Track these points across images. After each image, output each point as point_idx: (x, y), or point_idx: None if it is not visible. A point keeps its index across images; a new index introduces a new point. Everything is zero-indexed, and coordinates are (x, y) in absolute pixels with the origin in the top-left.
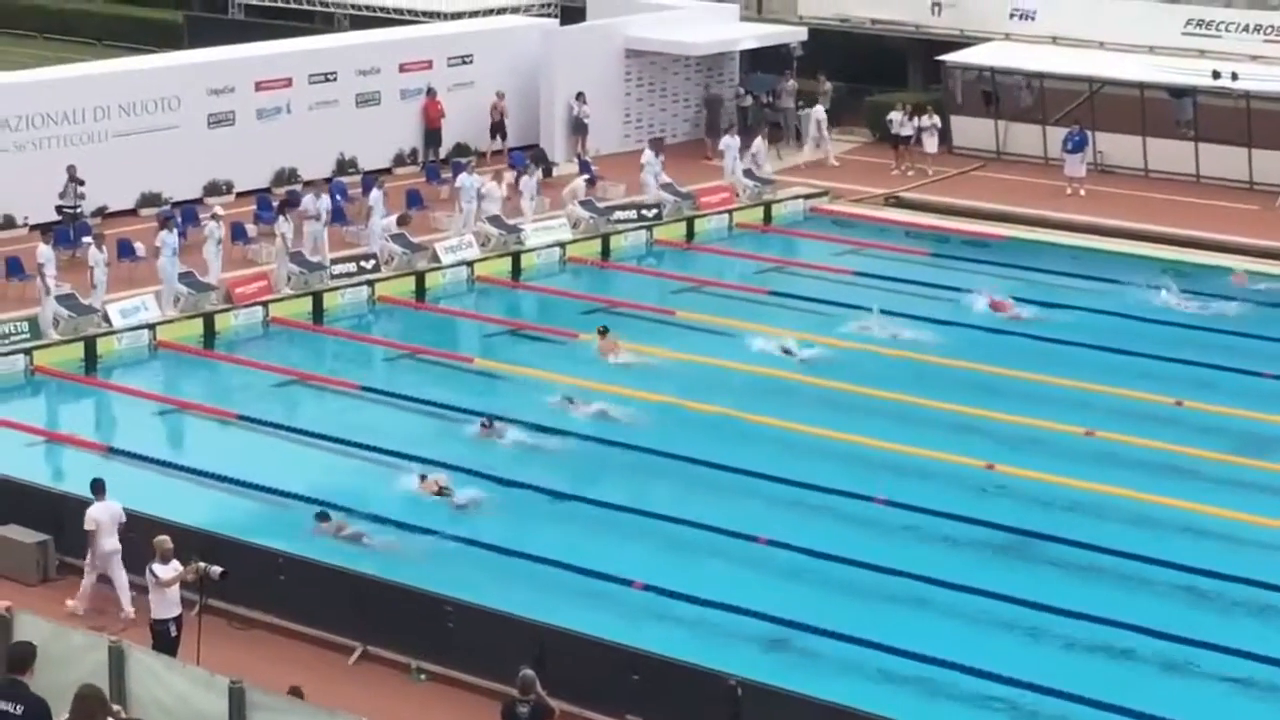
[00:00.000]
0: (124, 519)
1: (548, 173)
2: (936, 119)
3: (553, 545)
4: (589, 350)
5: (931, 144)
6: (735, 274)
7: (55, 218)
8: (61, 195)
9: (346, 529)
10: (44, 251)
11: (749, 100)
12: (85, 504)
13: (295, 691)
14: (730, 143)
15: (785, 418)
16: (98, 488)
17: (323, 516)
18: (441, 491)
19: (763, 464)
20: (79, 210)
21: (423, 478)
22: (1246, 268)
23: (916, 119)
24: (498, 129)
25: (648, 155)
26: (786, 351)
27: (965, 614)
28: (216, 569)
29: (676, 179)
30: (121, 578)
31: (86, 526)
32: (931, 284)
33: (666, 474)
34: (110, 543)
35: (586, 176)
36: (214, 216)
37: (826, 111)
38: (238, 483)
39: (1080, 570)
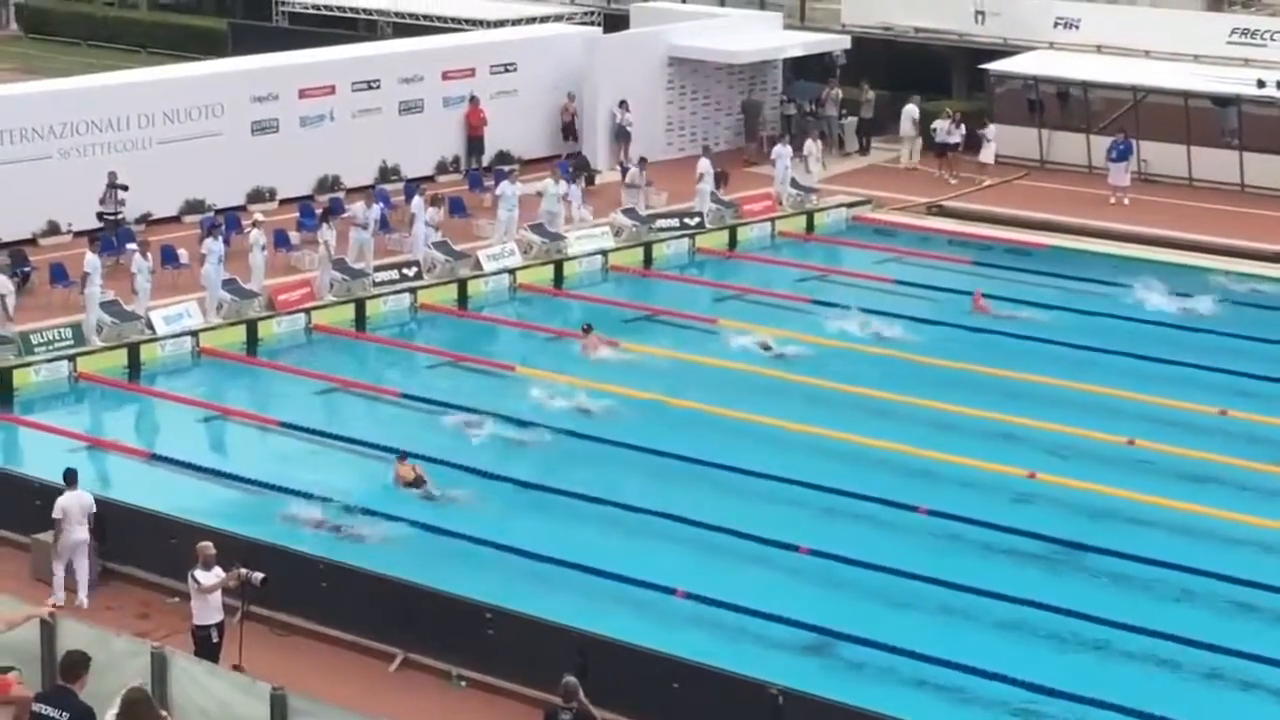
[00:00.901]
0: (94, 509)
1: (590, 180)
2: (992, 128)
3: (587, 549)
4: (630, 356)
5: (989, 153)
6: (778, 282)
7: (99, 225)
8: (102, 201)
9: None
10: (91, 260)
11: (792, 108)
12: (128, 511)
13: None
14: (782, 151)
15: (823, 425)
16: (69, 477)
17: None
18: (416, 481)
19: (798, 470)
20: (120, 216)
21: (402, 459)
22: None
23: (963, 127)
24: (569, 130)
25: (704, 165)
26: (765, 348)
27: (1006, 623)
28: (258, 575)
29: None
30: (84, 568)
31: (54, 515)
32: (968, 292)
33: (703, 479)
34: (79, 532)
35: (637, 168)
36: (255, 224)
37: (866, 120)
38: (279, 489)
39: (1121, 580)
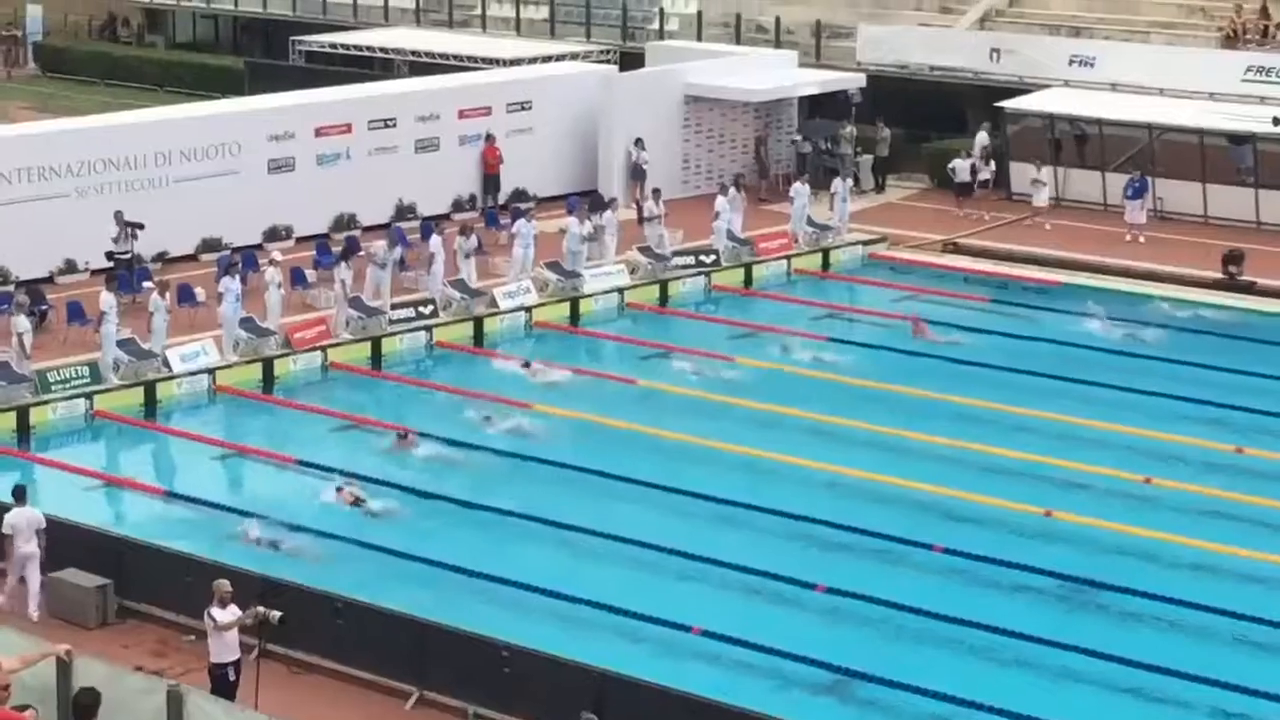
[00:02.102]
0: (43, 525)
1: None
2: (1046, 171)
3: (607, 587)
4: (644, 394)
5: (1042, 197)
6: (794, 319)
7: (111, 264)
8: (115, 240)
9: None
10: (106, 299)
11: (808, 147)
12: (146, 549)
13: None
14: (800, 189)
15: (836, 461)
16: (19, 494)
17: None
18: (357, 502)
19: (814, 508)
20: (130, 256)
21: (339, 489)
22: None
23: (993, 164)
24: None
25: (720, 203)
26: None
27: (1022, 661)
28: (276, 614)
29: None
30: (35, 580)
31: (4, 530)
32: (987, 330)
33: (717, 517)
34: (28, 548)
35: (653, 199)
36: (272, 262)
37: (881, 158)
38: (296, 528)
39: (1138, 618)
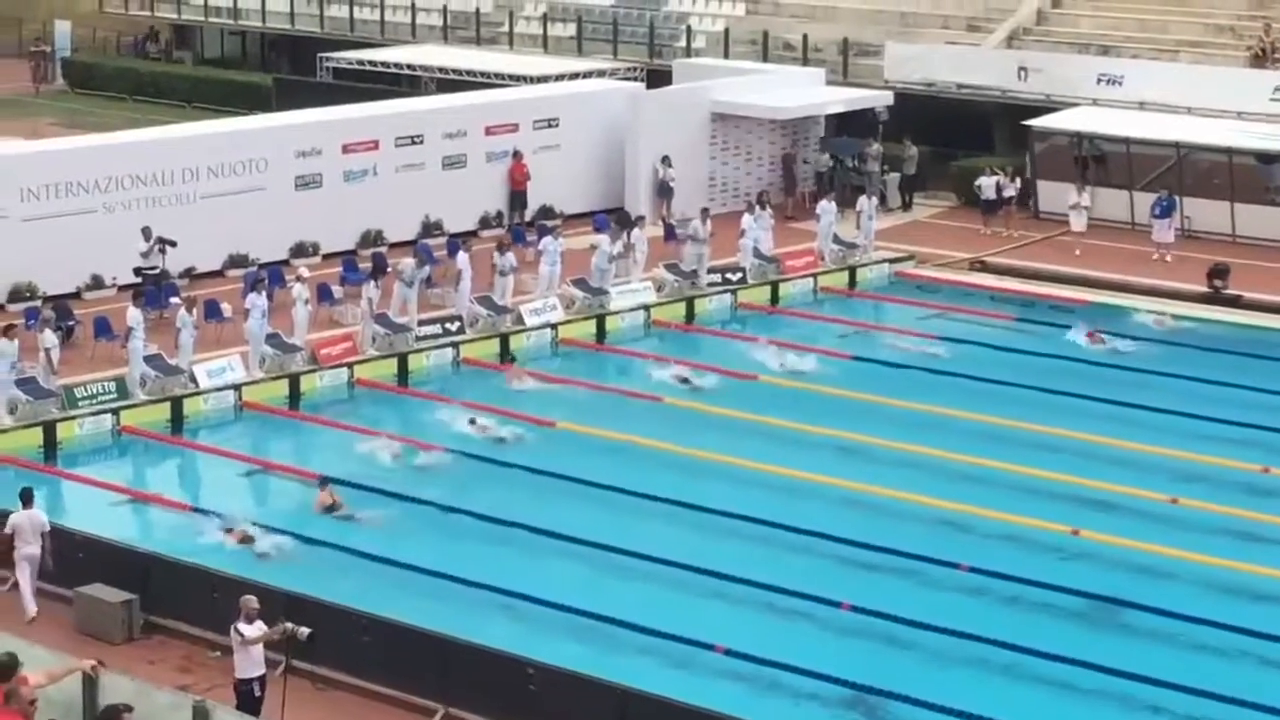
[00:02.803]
0: (46, 528)
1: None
2: (1086, 194)
3: (629, 602)
4: (672, 411)
5: (1080, 222)
6: (820, 338)
7: (139, 280)
8: (145, 255)
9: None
10: (133, 314)
11: (827, 162)
12: (172, 564)
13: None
14: (826, 207)
15: (862, 479)
16: (25, 496)
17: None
18: (334, 506)
19: (838, 526)
20: (158, 270)
21: (323, 485)
22: None
23: (1018, 181)
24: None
25: (747, 220)
26: (683, 381)
27: (1047, 680)
28: (305, 630)
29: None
30: (32, 580)
31: (7, 530)
32: (1014, 349)
33: (743, 534)
34: (30, 549)
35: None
36: (299, 278)
37: (908, 176)
38: (321, 544)
39: (1163, 637)
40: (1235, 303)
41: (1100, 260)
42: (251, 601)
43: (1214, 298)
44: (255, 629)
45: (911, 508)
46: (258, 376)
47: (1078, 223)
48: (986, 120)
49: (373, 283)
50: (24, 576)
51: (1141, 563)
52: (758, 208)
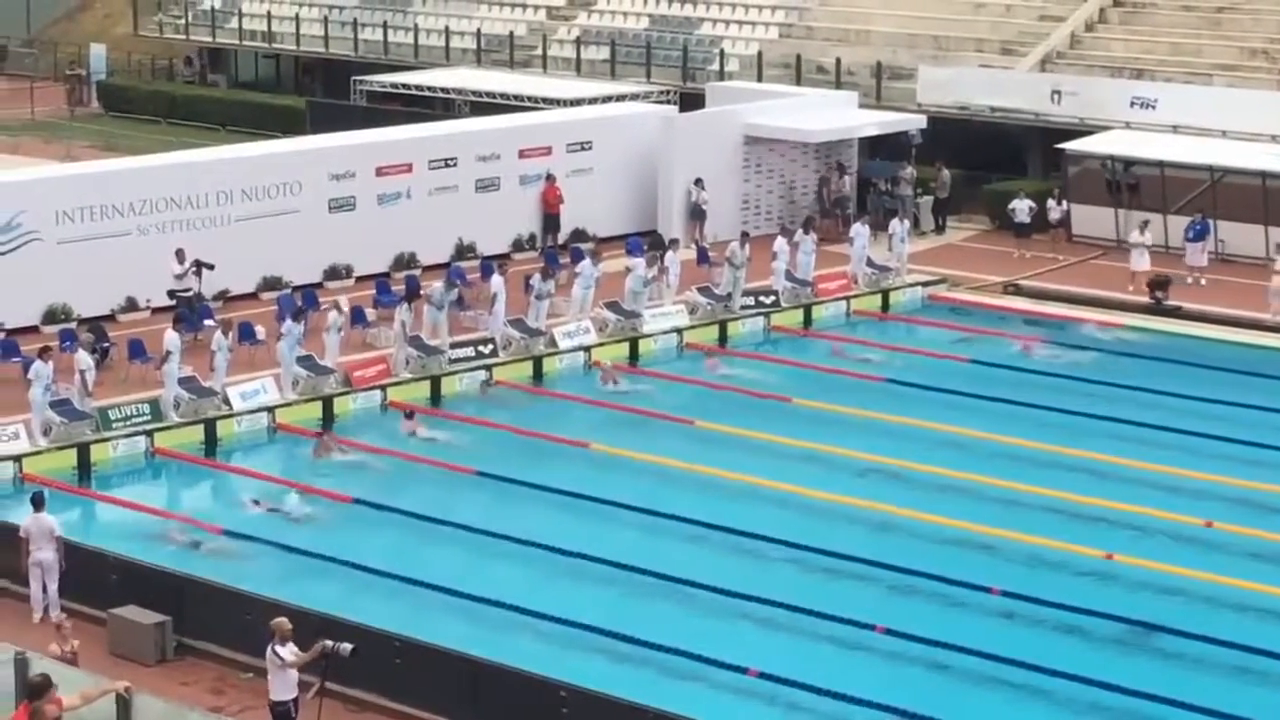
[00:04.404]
0: (57, 531)
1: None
2: (1147, 235)
3: (658, 625)
4: (705, 435)
5: (1143, 261)
6: (852, 361)
7: (173, 302)
8: (180, 277)
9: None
10: (171, 338)
11: (846, 185)
12: (205, 586)
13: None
14: (860, 230)
15: (896, 503)
16: (37, 501)
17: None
18: (272, 510)
19: (871, 549)
20: (192, 292)
21: (255, 502)
22: None
23: (1065, 203)
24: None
25: (780, 243)
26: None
27: (1080, 704)
28: (346, 646)
29: (793, 264)
30: (52, 586)
31: (20, 534)
32: (1046, 372)
33: (773, 556)
34: (43, 554)
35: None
36: (337, 307)
37: (941, 199)
38: (354, 565)
39: (1198, 662)
40: (1175, 313)
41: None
42: (285, 624)
43: (1155, 309)
44: (289, 651)
45: (944, 530)
46: (291, 399)
47: (1139, 262)
48: (1019, 144)
49: (405, 305)
50: (35, 580)
51: (1175, 586)
52: (800, 231)
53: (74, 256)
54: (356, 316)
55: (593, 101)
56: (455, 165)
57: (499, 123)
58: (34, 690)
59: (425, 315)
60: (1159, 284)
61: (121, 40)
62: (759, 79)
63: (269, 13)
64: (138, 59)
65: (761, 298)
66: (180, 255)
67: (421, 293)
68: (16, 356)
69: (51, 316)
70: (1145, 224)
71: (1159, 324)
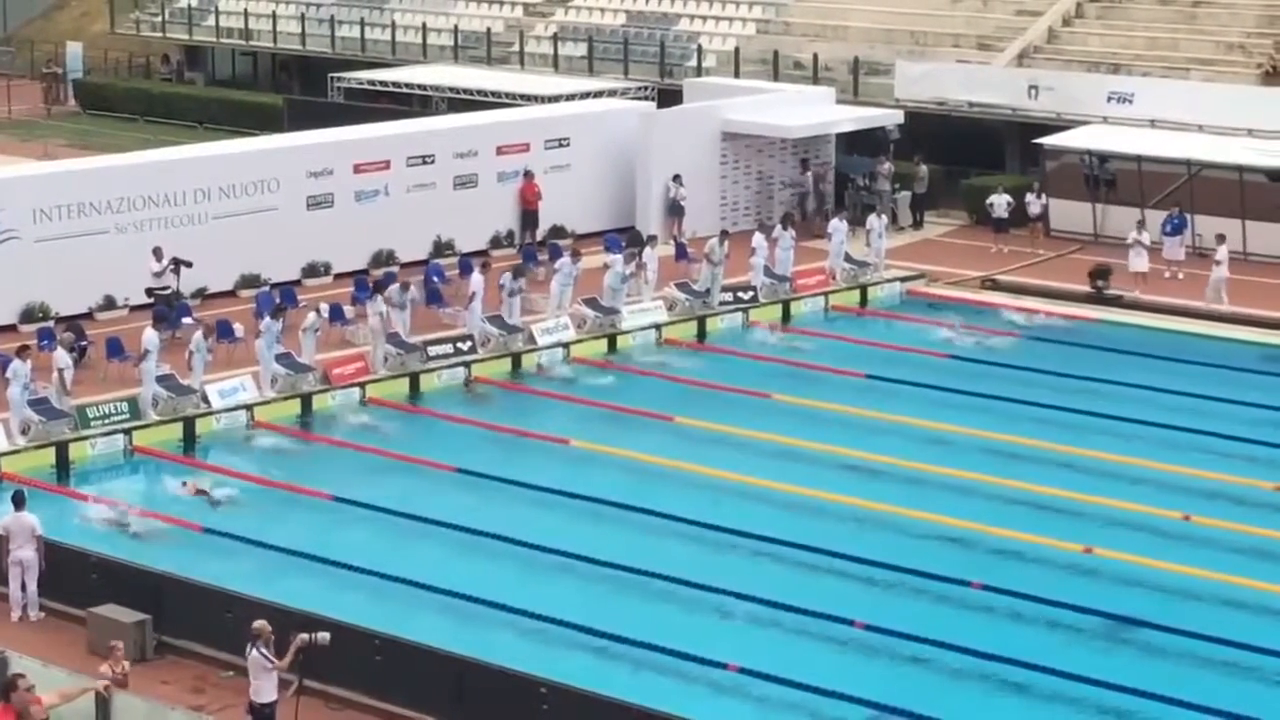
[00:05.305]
0: (38, 530)
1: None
2: (1145, 235)
3: (641, 623)
4: (685, 430)
5: (1142, 262)
6: (831, 357)
7: (150, 300)
8: (158, 275)
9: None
10: (150, 337)
11: (809, 181)
12: (184, 584)
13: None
14: (838, 226)
15: (874, 498)
16: (18, 499)
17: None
18: (199, 492)
19: (850, 543)
20: (169, 290)
21: (184, 483)
22: None
23: (1044, 197)
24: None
25: (758, 239)
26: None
27: (1060, 698)
28: (323, 635)
29: (771, 259)
30: (31, 585)
31: (0, 532)
32: (1024, 367)
33: (758, 552)
34: (23, 553)
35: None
36: (317, 311)
37: (919, 195)
38: (333, 563)
39: (1177, 655)
40: (1116, 302)
41: (1111, 278)
42: (266, 626)
43: (1096, 298)
44: (271, 656)
45: (924, 525)
46: (269, 396)
47: (1138, 262)
48: (997, 139)
49: (379, 298)
50: (14, 579)
51: (1154, 580)
52: (779, 227)
53: (52, 255)
54: (335, 314)
55: (570, 98)
56: (433, 162)
57: (477, 119)
58: (2, 688)
59: (391, 317)
60: (1100, 273)
61: (98, 38)
62: (736, 75)
63: (246, 10)
64: (114, 57)
65: (740, 293)
66: (158, 253)
67: (383, 294)
68: None
69: (29, 315)
70: (1142, 223)
71: (1141, 319)
